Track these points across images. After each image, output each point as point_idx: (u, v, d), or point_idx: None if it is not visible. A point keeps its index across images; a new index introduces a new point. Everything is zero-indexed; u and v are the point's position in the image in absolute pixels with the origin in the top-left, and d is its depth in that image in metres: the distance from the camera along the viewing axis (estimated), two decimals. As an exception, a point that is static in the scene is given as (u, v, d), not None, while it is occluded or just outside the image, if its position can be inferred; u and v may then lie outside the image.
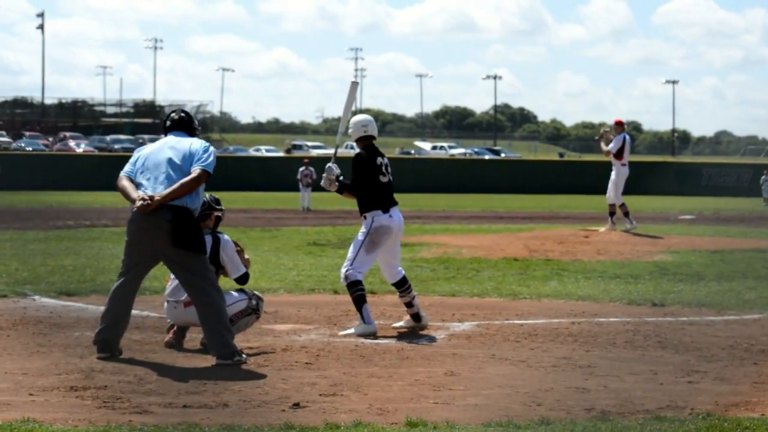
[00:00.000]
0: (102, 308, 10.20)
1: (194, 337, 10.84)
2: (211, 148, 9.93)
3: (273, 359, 9.90)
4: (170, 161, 9.72)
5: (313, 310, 13.06)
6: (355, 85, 12.13)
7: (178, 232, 9.50)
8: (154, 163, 9.77)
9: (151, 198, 9.48)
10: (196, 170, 9.67)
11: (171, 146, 9.88)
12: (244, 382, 8.84)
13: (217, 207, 10.71)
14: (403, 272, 11.83)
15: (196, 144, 9.88)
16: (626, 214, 24.14)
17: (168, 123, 10.23)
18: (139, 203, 9.50)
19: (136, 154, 9.96)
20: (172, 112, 10.37)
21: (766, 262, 19.45)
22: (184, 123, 10.19)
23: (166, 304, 10.53)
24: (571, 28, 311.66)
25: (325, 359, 9.96)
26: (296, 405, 8.04)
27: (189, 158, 9.73)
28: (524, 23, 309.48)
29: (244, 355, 9.71)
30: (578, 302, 14.23)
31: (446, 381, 9.02)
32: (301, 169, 39.68)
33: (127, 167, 9.88)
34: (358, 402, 8.20)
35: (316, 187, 34.43)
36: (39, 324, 11.69)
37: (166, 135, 10.13)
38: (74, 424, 7.36)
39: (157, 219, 9.50)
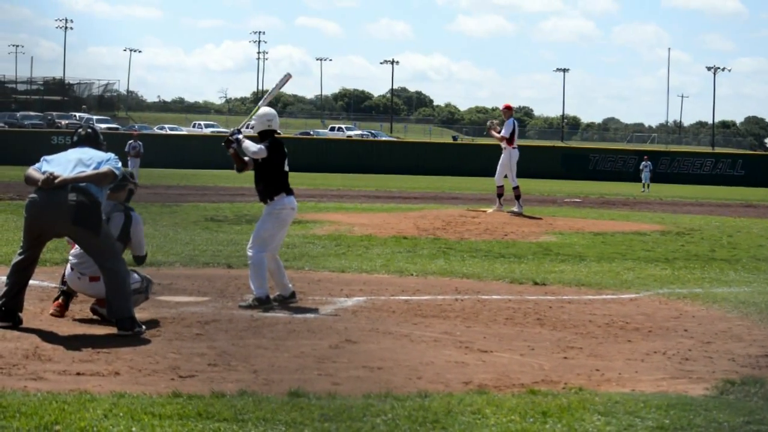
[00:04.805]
0: (3, 278, 10.34)
1: (87, 306, 10.97)
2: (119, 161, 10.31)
3: (165, 330, 10.10)
4: (80, 160, 10.05)
5: (207, 284, 13.24)
6: (287, 77, 12.63)
7: (80, 211, 9.70)
8: (63, 161, 10.05)
9: (56, 177, 9.72)
10: (105, 167, 9.98)
11: (79, 152, 10.21)
12: (136, 352, 9.03)
13: (132, 180, 11.09)
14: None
15: (105, 154, 10.22)
16: (518, 197, 24.37)
17: (75, 138, 10.53)
18: (43, 178, 9.71)
19: (43, 158, 10.20)
20: (79, 127, 10.68)
21: (645, 245, 20.02)
22: (91, 138, 10.52)
23: (69, 270, 10.66)
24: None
25: (215, 331, 10.17)
26: (185, 375, 8.24)
27: (98, 161, 10.05)
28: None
29: (143, 327, 9.95)
30: (463, 280, 14.52)
31: (331, 353, 9.25)
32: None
33: (35, 165, 10.12)
34: (245, 372, 8.41)
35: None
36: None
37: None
38: (-31, 390, 7.45)
39: (60, 198, 9.70)
